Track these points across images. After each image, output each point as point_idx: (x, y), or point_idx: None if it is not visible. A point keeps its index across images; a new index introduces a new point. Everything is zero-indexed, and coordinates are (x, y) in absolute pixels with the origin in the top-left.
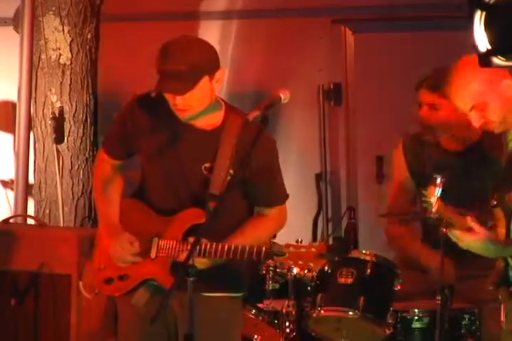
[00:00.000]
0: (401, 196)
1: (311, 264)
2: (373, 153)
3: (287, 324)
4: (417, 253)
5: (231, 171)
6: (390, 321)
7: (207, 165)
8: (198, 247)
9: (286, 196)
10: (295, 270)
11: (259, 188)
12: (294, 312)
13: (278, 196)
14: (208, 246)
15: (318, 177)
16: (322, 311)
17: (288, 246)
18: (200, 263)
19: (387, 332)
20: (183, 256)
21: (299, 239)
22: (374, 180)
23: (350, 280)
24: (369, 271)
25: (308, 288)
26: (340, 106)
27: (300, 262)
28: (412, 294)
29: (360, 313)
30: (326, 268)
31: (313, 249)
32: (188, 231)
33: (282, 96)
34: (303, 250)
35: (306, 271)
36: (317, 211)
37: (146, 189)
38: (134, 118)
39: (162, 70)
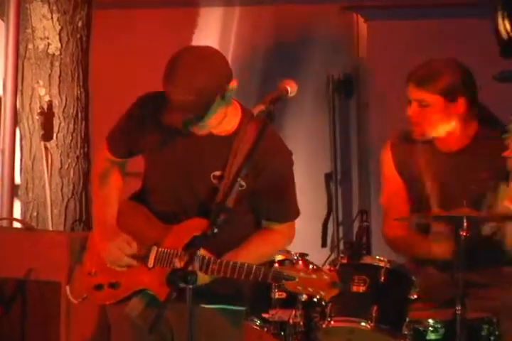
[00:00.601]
0: (394, 197)
1: (322, 293)
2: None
3: (294, 336)
4: (425, 247)
5: (242, 183)
6: (405, 332)
7: (216, 173)
8: (199, 260)
9: (298, 213)
10: (303, 297)
11: (269, 202)
12: (302, 323)
13: (289, 212)
14: (212, 263)
15: (328, 177)
16: (332, 322)
17: (298, 270)
18: (200, 278)
19: None
20: (181, 263)
21: (306, 253)
22: None
23: (362, 289)
24: (383, 278)
25: (317, 297)
26: (351, 99)
27: (310, 289)
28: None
29: (373, 324)
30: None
31: (325, 277)
32: (190, 242)
33: (289, 88)
34: (314, 276)
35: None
36: (327, 213)
37: (148, 192)
38: (141, 116)
39: (169, 98)
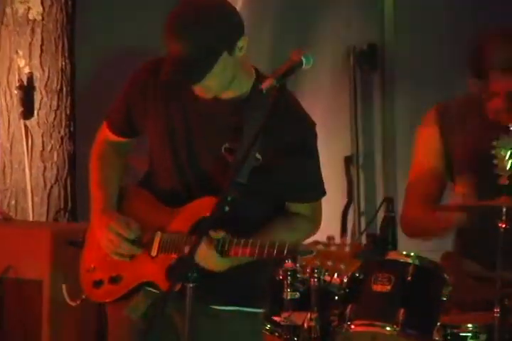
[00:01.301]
0: (424, 180)
1: (342, 266)
2: (416, 130)
3: None
4: (436, 221)
5: (258, 156)
6: (436, 338)
7: (228, 145)
8: (215, 243)
9: (324, 191)
10: (321, 273)
11: (290, 178)
12: (317, 328)
13: (313, 189)
14: (221, 241)
15: (349, 161)
16: (353, 326)
17: (316, 243)
18: (219, 264)
19: None
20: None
21: (332, 236)
22: None
23: (387, 288)
24: (410, 276)
25: (336, 298)
26: (375, 71)
27: (329, 263)
28: (463, 304)
29: (399, 329)
30: (358, 273)
31: (346, 249)
32: (197, 225)
33: (304, 60)
34: (333, 248)
35: (334, 275)
36: (347, 202)
37: (153, 175)
38: (143, 87)
39: (170, 54)
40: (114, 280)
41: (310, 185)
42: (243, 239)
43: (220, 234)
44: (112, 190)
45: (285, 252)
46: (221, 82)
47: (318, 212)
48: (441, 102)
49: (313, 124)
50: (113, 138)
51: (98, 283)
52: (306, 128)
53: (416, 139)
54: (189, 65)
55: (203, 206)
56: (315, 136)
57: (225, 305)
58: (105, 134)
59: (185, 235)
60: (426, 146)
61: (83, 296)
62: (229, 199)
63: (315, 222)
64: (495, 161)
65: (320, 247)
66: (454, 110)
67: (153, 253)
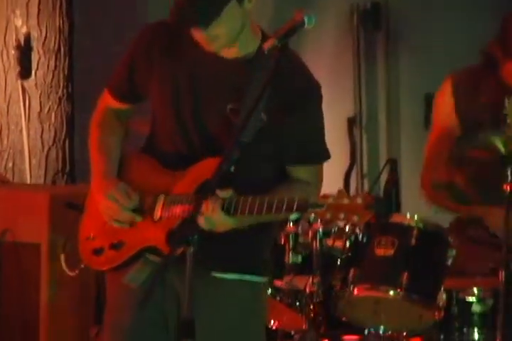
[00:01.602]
0: (443, 147)
1: (355, 218)
2: (421, 91)
3: (311, 306)
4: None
5: (263, 116)
6: (440, 303)
7: (233, 106)
8: (221, 202)
9: (328, 154)
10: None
11: (294, 140)
12: (319, 292)
13: (318, 152)
14: (228, 200)
15: (352, 122)
16: (355, 290)
17: (326, 196)
18: (224, 222)
19: (437, 316)
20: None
21: (342, 189)
22: (421, 124)
23: (390, 252)
24: (414, 240)
25: (338, 262)
26: (379, 31)
27: (341, 215)
28: (469, 270)
29: (403, 293)
30: (360, 236)
31: (358, 200)
32: (202, 186)
33: (306, 19)
34: (345, 201)
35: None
36: (350, 164)
37: (155, 139)
38: (148, 49)
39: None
40: (115, 246)
41: (313, 146)
42: (251, 197)
43: (227, 193)
44: (113, 156)
45: (295, 207)
46: (228, 32)
47: (319, 178)
48: (454, 72)
49: (318, 86)
50: (114, 104)
51: (98, 251)
52: (311, 89)
53: (433, 107)
54: (198, 8)
55: (209, 168)
56: (319, 97)
57: (226, 272)
58: (106, 101)
59: (189, 196)
60: (444, 113)
61: (82, 265)
62: (233, 158)
63: (316, 188)
64: (508, 120)
65: (331, 200)
66: (467, 78)
67: (156, 216)
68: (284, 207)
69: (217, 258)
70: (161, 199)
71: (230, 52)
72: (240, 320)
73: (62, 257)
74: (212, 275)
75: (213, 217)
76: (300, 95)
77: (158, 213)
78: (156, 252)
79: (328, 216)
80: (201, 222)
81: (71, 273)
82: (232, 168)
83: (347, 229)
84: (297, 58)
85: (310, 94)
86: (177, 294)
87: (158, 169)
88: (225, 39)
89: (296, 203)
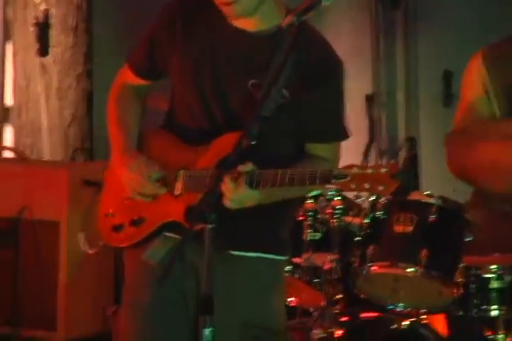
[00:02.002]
0: (472, 118)
1: (380, 188)
2: (440, 68)
3: (330, 283)
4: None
5: (285, 92)
6: (459, 280)
7: (255, 81)
8: (246, 176)
9: (346, 133)
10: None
11: (315, 117)
12: (338, 269)
13: (338, 130)
14: (250, 173)
15: (370, 99)
16: (374, 267)
17: (350, 166)
18: (250, 197)
19: (456, 293)
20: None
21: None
22: (440, 101)
23: (409, 229)
24: (433, 216)
25: (357, 239)
26: (397, 8)
27: (366, 185)
28: (488, 244)
29: (422, 270)
30: (379, 212)
31: (383, 170)
32: (223, 161)
33: None
34: (370, 171)
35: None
36: (368, 141)
37: (175, 115)
38: (169, 24)
39: None
40: (135, 222)
41: (332, 124)
42: (273, 170)
43: (248, 166)
44: (132, 132)
45: (318, 179)
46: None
47: (337, 156)
48: (485, 46)
49: (340, 62)
50: (133, 80)
51: (118, 228)
52: (332, 65)
53: (462, 82)
54: None
55: (231, 142)
56: (341, 73)
57: (245, 251)
58: (124, 77)
59: (210, 171)
60: (473, 87)
61: (101, 243)
62: (254, 133)
63: (336, 166)
64: None
65: (355, 170)
66: (500, 49)
67: (177, 191)
68: (308, 180)
69: (236, 237)
70: (182, 174)
71: (251, 24)
72: (259, 297)
73: (82, 236)
74: (231, 253)
75: (238, 194)
76: (321, 70)
77: (178, 188)
78: (176, 228)
79: (352, 186)
80: (227, 203)
81: (90, 251)
82: (254, 142)
83: (367, 204)
84: (318, 35)
85: (331, 69)
86: (196, 271)
87: (179, 145)
88: (248, 3)
89: (319, 175)
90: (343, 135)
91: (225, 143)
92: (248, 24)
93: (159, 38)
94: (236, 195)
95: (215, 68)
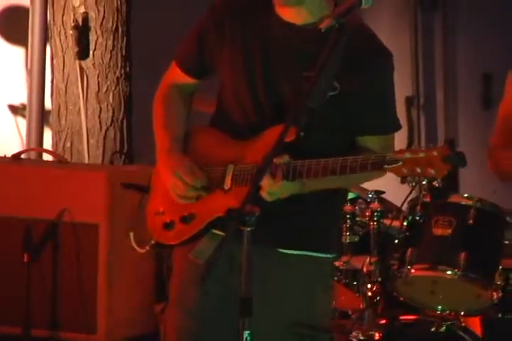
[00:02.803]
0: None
1: (432, 171)
2: (479, 71)
3: (369, 286)
4: None
5: (336, 84)
6: (498, 282)
7: (308, 74)
8: (282, 168)
9: (397, 125)
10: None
11: (366, 109)
12: (377, 272)
13: (387, 120)
14: (299, 165)
15: (409, 102)
16: (413, 270)
17: (402, 151)
18: (284, 188)
19: (495, 296)
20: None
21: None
22: (480, 104)
23: (448, 232)
24: (472, 219)
25: (396, 242)
26: (436, 11)
27: (418, 169)
28: None
29: (460, 273)
30: (418, 215)
31: (434, 153)
32: (271, 152)
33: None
34: (422, 155)
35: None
36: (407, 144)
37: (224, 112)
38: (220, 18)
39: None
40: (185, 219)
41: (385, 114)
42: (315, 160)
43: (285, 159)
44: (178, 133)
45: (369, 166)
46: None
47: (390, 149)
48: None
49: (390, 54)
50: (180, 78)
51: (169, 225)
52: (385, 59)
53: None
54: None
55: (279, 133)
56: (391, 65)
57: (291, 249)
58: (171, 77)
59: (258, 165)
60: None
61: (152, 242)
62: (302, 124)
63: None
64: None
65: (407, 155)
66: None
67: (227, 186)
68: (359, 166)
69: (283, 235)
70: (231, 169)
71: (299, 17)
72: (306, 296)
73: (132, 235)
74: (278, 251)
75: (275, 187)
76: (371, 63)
77: (228, 183)
78: (224, 225)
79: (404, 171)
80: (265, 195)
81: (141, 250)
82: (302, 133)
83: (406, 207)
84: (370, 30)
85: (381, 61)
86: (241, 267)
87: (226, 140)
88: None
89: (370, 161)
90: (395, 126)
91: (274, 135)
92: (296, 17)
93: (208, 32)
94: (272, 188)
95: (266, 61)
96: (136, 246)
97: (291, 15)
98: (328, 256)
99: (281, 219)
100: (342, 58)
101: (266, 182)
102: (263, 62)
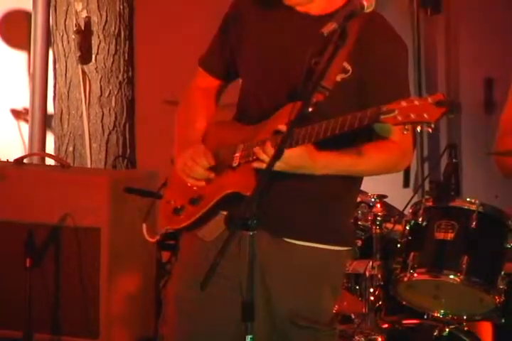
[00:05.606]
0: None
1: (425, 115)
2: (481, 75)
3: (371, 290)
4: None
5: (347, 66)
6: (501, 287)
7: (317, 60)
8: (284, 138)
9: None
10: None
11: (379, 94)
12: (379, 276)
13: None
14: (302, 131)
15: None
16: (415, 274)
17: (398, 102)
18: (287, 156)
19: (498, 300)
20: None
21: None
22: (482, 108)
23: (450, 236)
24: (474, 223)
25: (398, 246)
26: (439, 14)
27: (412, 115)
28: None
29: (463, 277)
30: (421, 219)
31: (428, 99)
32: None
33: (365, 3)
34: (416, 103)
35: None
36: None
37: (241, 104)
38: (239, 16)
39: None
40: (194, 201)
41: (400, 96)
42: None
43: (283, 127)
44: (198, 127)
45: (367, 119)
46: None
47: (407, 142)
48: None
49: (405, 45)
50: (204, 81)
51: (179, 210)
52: (398, 45)
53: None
54: None
55: (289, 111)
56: (406, 55)
57: (299, 239)
58: (197, 80)
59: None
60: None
61: (163, 230)
62: (313, 101)
63: (404, 151)
64: None
65: (402, 104)
66: None
67: (235, 163)
68: (357, 122)
69: (292, 225)
70: (240, 147)
71: (314, 9)
72: (309, 288)
73: (144, 226)
74: (288, 241)
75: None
76: (389, 53)
77: (236, 159)
78: (234, 203)
79: (399, 119)
80: (277, 165)
81: (151, 240)
82: (310, 109)
83: (409, 211)
84: (385, 20)
85: (395, 50)
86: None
87: (240, 126)
88: None
89: (368, 114)
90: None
91: (284, 113)
92: (311, 9)
93: (228, 31)
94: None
95: (282, 53)
96: (147, 236)
97: (306, 8)
98: (337, 248)
99: (292, 209)
100: (355, 41)
101: (268, 153)
102: (278, 52)
